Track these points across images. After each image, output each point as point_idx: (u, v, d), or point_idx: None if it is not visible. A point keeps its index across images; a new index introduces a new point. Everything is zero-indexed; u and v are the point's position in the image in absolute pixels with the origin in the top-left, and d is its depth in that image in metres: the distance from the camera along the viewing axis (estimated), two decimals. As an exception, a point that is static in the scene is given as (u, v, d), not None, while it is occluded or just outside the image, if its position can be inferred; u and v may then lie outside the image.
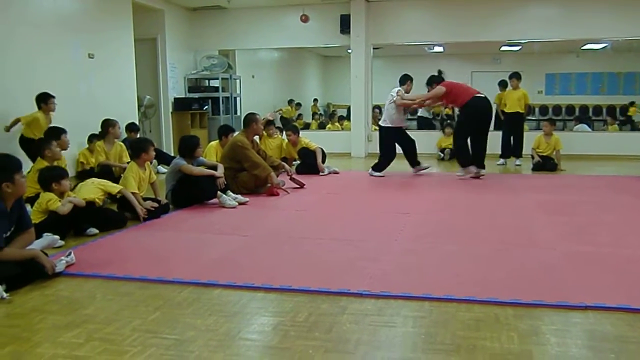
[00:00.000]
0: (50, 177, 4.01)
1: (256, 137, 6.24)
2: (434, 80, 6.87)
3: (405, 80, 6.98)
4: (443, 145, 9.22)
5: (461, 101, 6.68)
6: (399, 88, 6.88)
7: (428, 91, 6.87)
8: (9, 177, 2.90)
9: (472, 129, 6.72)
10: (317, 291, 2.78)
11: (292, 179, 6.11)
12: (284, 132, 7.70)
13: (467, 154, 6.79)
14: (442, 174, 7.52)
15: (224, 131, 6.56)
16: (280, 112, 12.88)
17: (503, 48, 13.04)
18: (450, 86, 6.73)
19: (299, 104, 14.33)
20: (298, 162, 7.53)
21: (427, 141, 9.13)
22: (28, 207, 3.87)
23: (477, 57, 14.50)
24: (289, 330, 2.33)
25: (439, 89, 6.66)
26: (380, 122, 7.07)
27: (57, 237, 3.65)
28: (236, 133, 6.28)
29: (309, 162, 7.28)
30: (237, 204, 5.11)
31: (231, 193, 5.26)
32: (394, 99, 6.79)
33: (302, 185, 6.08)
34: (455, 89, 6.75)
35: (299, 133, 7.59)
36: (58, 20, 6.80)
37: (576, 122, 11.61)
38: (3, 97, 5.96)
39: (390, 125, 6.92)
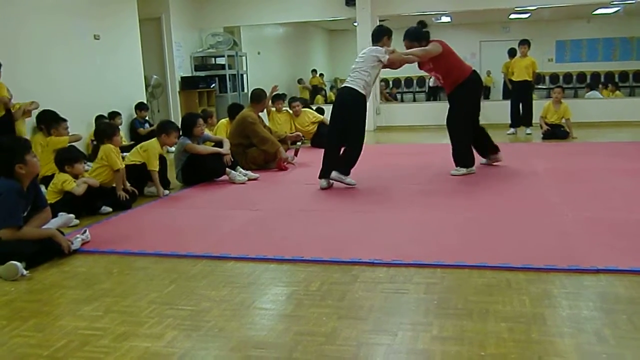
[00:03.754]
0: (64, 160, 4.08)
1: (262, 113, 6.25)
2: (425, 37, 4.97)
3: (383, 35, 4.74)
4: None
5: (459, 74, 4.99)
6: (381, 48, 4.65)
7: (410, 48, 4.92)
8: (20, 158, 2.95)
9: (476, 110, 5.17)
10: (328, 261, 2.81)
11: (296, 152, 6.28)
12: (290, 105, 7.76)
13: (471, 149, 5.18)
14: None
15: (237, 111, 6.59)
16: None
17: (512, 16, 12.80)
18: (448, 50, 4.94)
19: (322, 74, 14.94)
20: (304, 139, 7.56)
21: (439, 113, 9.01)
22: (43, 188, 3.95)
23: (485, 27, 14.23)
24: (303, 299, 2.36)
25: (436, 45, 4.84)
26: (360, 89, 4.54)
27: (72, 215, 3.71)
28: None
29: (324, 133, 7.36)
30: (246, 179, 5.14)
31: (241, 169, 5.28)
32: (382, 58, 4.57)
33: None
34: (453, 55, 5.00)
35: (304, 105, 7.88)
36: (63, 2, 6.76)
37: (587, 89, 11.46)
38: (16, 82, 5.96)
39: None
